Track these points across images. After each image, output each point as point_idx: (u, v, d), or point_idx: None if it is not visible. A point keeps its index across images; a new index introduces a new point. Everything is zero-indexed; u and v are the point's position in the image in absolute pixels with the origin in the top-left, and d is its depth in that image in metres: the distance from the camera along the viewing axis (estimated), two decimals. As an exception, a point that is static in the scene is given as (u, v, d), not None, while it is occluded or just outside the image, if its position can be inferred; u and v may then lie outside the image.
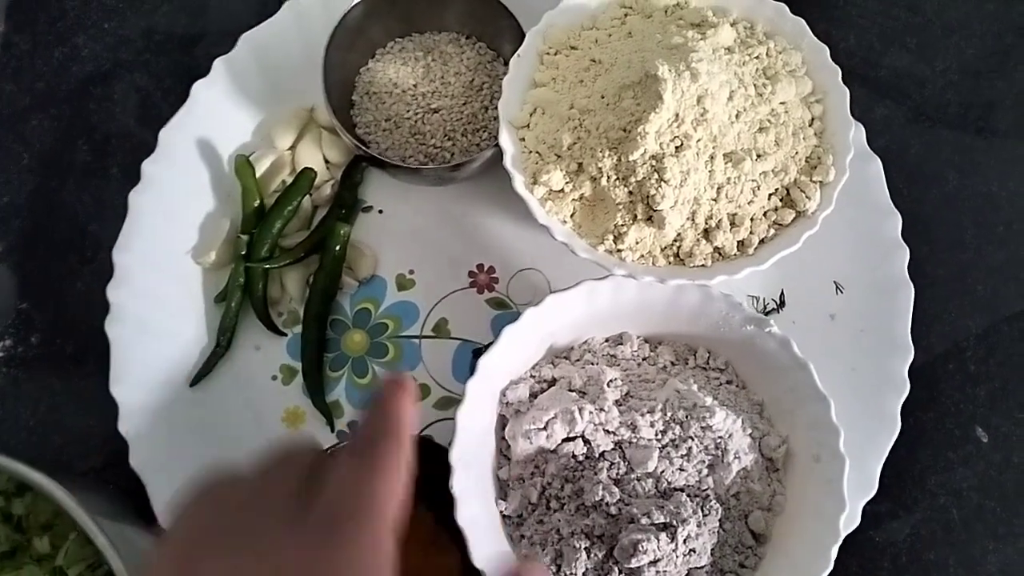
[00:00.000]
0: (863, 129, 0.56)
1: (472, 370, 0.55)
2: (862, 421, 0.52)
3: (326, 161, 0.58)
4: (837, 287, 0.56)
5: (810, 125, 0.51)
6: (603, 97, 0.48)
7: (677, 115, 0.46)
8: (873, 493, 0.51)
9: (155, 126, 0.55)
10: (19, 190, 0.58)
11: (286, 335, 0.54)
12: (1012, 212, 0.60)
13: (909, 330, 0.53)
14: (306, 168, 0.56)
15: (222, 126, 0.57)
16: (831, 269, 0.56)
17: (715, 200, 0.48)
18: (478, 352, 0.55)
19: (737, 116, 0.48)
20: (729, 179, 0.48)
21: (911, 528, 0.55)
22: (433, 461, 0.47)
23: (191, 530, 0.30)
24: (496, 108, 0.56)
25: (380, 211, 0.58)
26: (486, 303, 0.56)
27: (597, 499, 0.45)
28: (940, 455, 0.56)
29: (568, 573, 0.45)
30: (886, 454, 0.52)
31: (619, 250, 0.48)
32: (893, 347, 0.53)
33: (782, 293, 0.56)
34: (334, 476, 0.30)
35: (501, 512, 0.47)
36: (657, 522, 0.44)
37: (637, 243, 0.48)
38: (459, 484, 0.44)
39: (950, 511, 0.55)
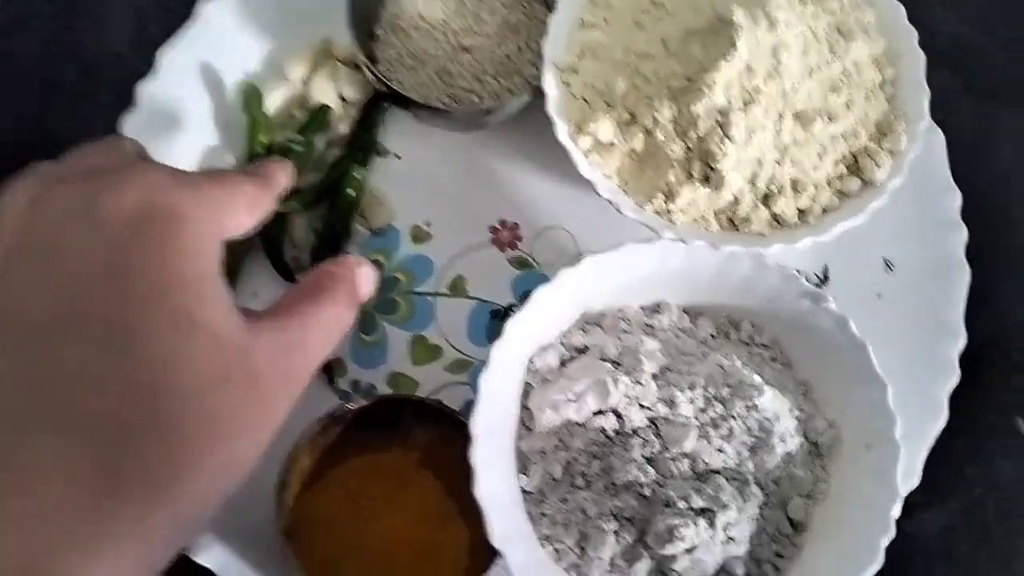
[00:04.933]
0: (927, 98, 0.52)
1: (489, 333, 0.51)
2: (907, 407, 0.48)
3: (342, 99, 0.53)
4: (887, 264, 0.52)
5: (880, 88, 0.47)
6: (664, 42, 0.44)
7: (749, 66, 0.42)
8: (916, 483, 0.48)
9: (150, 50, 0.49)
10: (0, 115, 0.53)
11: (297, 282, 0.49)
12: (1069, 196, 0.57)
13: (963, 315, 0.50)
14: (324, 104, 0.51)
15: (229, 51, 0.51)
16: (881, 245, 0.52)
17: (779, 163, 0.44)
18: (496, 314, 0.51)
19: (810, 73, 0.43)
20: (796, 141, 0.43)
21: (945, 521, 0.52)
22: (443, 428, 0.43)
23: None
24: (532, 51, 0.52)
25: (398, 156, 0.53)
26: (508, 262, 0.52)
27: (629, 479, 0.41)
28: (979, 446, 0.53)
29: (593, 557, 0.41)
30: (931, 443, 0.49)
31: (669, 211, 0.44)
32: (944, 331, 0.50)
33: (826, 268, 0.53)
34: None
35: (521, 487, 0.43)
36: (695, 507, 0.41)
37: (689, 204, 0.44)
38: (479, 455, 0.40)
39: (986, 505, 0.52)
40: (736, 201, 0.44)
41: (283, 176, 0.34)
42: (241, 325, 0.28)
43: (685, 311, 0.48)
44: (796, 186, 0.44)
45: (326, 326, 0.31)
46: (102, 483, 0.24)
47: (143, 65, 0.49)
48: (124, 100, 0.49)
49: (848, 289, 0.52)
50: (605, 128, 0.44)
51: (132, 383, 0.25)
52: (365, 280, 0.33)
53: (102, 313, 0.25)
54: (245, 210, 0.31)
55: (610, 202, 0.44)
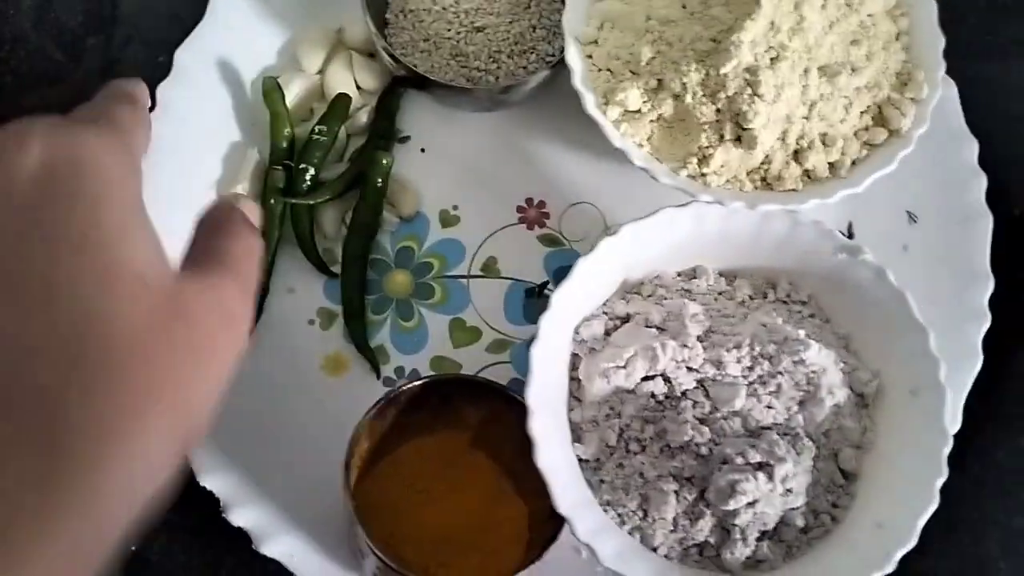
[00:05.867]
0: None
1: (526, 311, 0.51)
2: (942, 354, 0.49)
3: (358, 87, 0.53)
4: (910, 216, 0.53)
5: (896, 39, 0.47)
6: (686, 6, 0.44)
7: (773, 23, 0.42)
8: (958, 427, 0.48)
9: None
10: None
11: (336, 275, 0.49)
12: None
13: (988, 259, 0.51)
14: (341, 93, 0.51)
15: (243, 46, 0.51)
16: (903, 199, 0.53)
17: (807, 118, 0.44)
18: (531, 292, 0.51)
19: (830, 26, 0.44)
20: (822, 95, 0.44)
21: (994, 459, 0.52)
22: (493, 405, 0.43)
23: None
24: (545, 29, 0.52)
25: (419, 145, 0.53)
26: (537, 240, 0.52)
27: (685, 439, 0.41)
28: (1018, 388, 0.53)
29: (657, 518, 0.41)
30: (969, 387, 0.49)
31: (703, 174, 0.45)
32: (972, 277, 0.51)
33: (850, 225, 0.53)
34: None
35: (578, 456, 0.43)
36: (753, 461, 0.41)
37: (723, 166, 0.45)
38: (538, 426, 0.40)
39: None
40: (768, 160, 0.45)
41: (130, 88, 0.33)
42: (168, 268, 0.26)
43: (721, 275, 0.48)
44: (825, 140, 0.45)
45: (245, 256, 0.30)
46: (35, 463, 0.22)
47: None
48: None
49: (874, 244, 0.52)
50: (633, 96, 0.44)
51: (60, 345, 0.23)
52: (251, 210, 0.32)
53: (21, 277, 0.24)
54: (142, 133, 0.31)
55: (645, 170, 0.44)
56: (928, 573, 0.49)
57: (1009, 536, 0.51)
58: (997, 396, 0.53)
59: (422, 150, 0.53)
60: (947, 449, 0.42)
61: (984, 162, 0.53)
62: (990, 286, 0.51)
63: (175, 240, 0.46)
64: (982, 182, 0.52)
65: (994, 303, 0.51)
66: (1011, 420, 0.53)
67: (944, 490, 0.43)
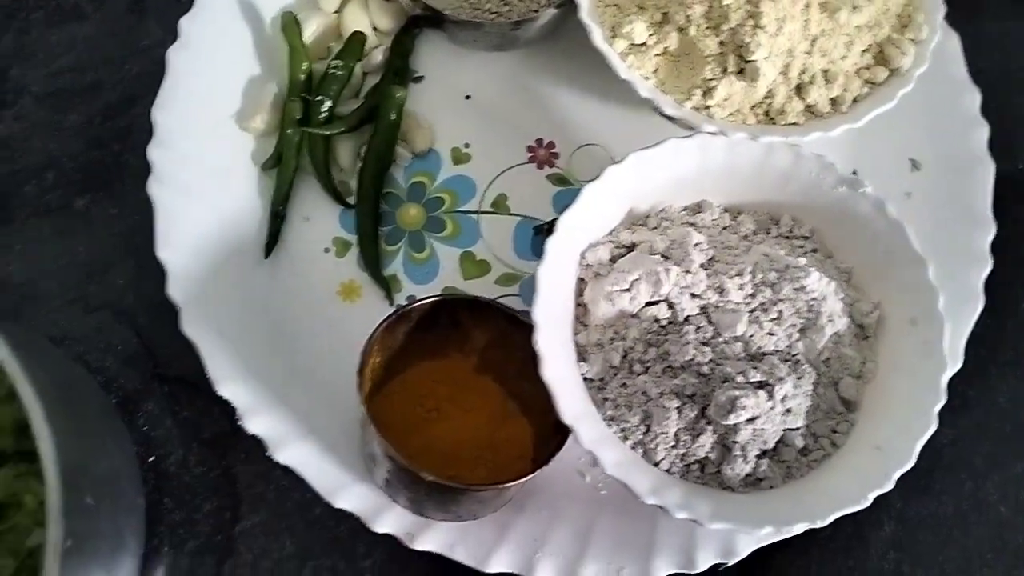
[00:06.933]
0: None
1: (534, 247, 0.52)
2: (945, 296, 0.50)
3: (374, 28, 0.54)
4: (913, 164, 0.54)
5: (898, -18, 0.48)
6: (691, -60, 0.45)
7: (774, -44, 0.43)
8: (959, 367, 0.49)
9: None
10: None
11: (351, 205, 0.51)
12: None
13: (990, 205, 0.52)
14: (356, 31, 0.52)
15: (264, -17, 0.53)
16: (906, 146, 0.54)
17: (808, 54, 0.45)
18: (539, 229, 0.53)
19: (832, -37, 0.45)
20: (824, 31, 0.45)
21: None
22: (500, 326, 0.44)
23: None
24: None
25: (432, 84, 0.54)
26: (546, 179, 0.53)
27: (687, 359, 0.42)
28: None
29: (659, 433, 0.42)
30: (970, 328, 0.50)
31: (707, 107, 0.46)
32: (974, 222, 0.52)
33: (854, 172, 0.54)
34: None
35: (583, 375, 0.44)
36: (753, 380, 0.42)
37: (726, 99, 0.46)
38: (543, 341, 0.41)
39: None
40: (771, 94, 0.46)
41: None
42: None
43: (725, 210, 0.49)
44: (827, 76, 0.46)
45: None
46: None
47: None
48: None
49: (877, 190, 0.53)
50: (639, 29, 0.46)
51: None
52: None
53: None
54: None
55: (650, 101, 0.45)
56: (930, 515, 0.50)
57: (1009, 481, 0.52)
58: (998, 341, 0.54)
59: (432, 82, 0.54)
60: (945, 375, 0.43)
61: (988, 115, 0.54)
62: (992, 231, 0.52)
63: (193, 164, 0.48)
64: (984, 131, 0.53)
65: (996, 249, 0.52)
66: (1011, 366, 0.54)
67: (945, 434, 0.44)
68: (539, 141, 0.54)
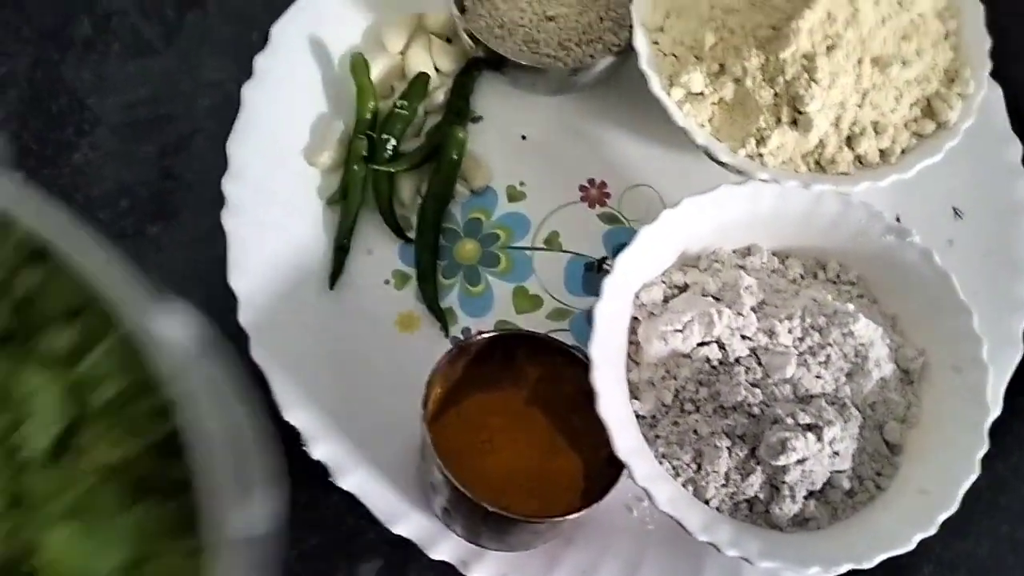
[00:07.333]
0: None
1: (585, 284, 0.54)
2: (987, 343, 0.51)
3: (436, 69, 0.56)
4: (956, 212, 0.55)
5: (945, 39, 0.50)
6: (746, -4, 0.47)
7: (830, 13, 0.45)
8: (998, 412, 0.50)
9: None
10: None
11: (411, 240, 0.53)
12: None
13: (1032, 255, 0.53)
14: (422, 72, 0.54)
15: (333, 24, 0.55)
16: (949, 194, 0.56)
17: (859, 106, 0.47)
18: (590, 266, 0.54)
19: (883, 21, 0.47)
20: (875, 85, 0.47)
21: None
22: (554, 363, 0.46)
23: None
24: (611, 20, 0.56)
25: (491, 125, 0.56)
26: (597, 217, 0.55)
27: (738, 399, 0.44)
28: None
29: (710, 471, 0.44)
30: (1010, 375, 0.51)
31: (760, 155, 0.47)
32: (1014, 269, 0.53)
33: (898, 219, 0.55)
34: None
35: (635, 412, 0.46)
36: (802, 423, 0.43)
37: (779, 148, 0.48)
38: (600, 378, 0.43)
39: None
40: (822, 144, 0.48)
41: None
42: None
43: (774, 254, 0.51)
44: (877, 128, 0.48)
45: None
46: None
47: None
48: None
49: (921, 238, 0.55)
50: (696, 79, 0.47)
51: None
52: None
53: None
54: None
55: (705, 148, 0.47)
56: (968, 553, 0.51)
57: (1046, 524, 0.53)
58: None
59: (490, 123, 0.56)
60: (988, 422, 0.44)
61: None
62: (1033, 279, 0.53)
63: (264, 197, 0.50)
64: (1025, 181, 0.54)
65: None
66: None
67: (982, 477, 0.45)
68: (591, 181, 0.56)
